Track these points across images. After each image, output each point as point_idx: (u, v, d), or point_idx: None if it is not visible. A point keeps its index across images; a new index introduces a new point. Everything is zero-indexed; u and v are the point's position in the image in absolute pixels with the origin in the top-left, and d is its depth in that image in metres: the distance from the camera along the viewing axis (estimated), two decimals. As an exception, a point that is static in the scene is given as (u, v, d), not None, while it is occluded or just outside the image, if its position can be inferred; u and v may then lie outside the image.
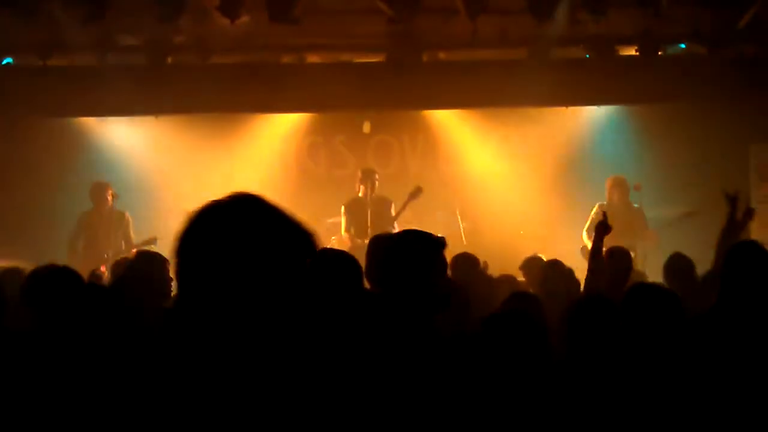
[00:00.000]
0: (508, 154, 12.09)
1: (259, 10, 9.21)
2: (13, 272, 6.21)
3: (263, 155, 11.99)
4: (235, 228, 1.97)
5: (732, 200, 6.45)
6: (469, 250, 7.42)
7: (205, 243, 1.97)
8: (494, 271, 7.12)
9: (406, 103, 11.08)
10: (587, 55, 10.70)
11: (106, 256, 10.29)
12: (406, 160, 12.24)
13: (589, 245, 9.59)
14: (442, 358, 3.32)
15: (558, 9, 9.32)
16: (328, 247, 5.28)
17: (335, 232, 10.67)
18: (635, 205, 10.47)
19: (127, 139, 11.87)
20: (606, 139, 11.95)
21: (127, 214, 10.71)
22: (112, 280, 5.86)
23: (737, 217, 6.45)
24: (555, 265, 6.71)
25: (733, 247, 4.87)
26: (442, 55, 11.24)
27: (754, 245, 4.77)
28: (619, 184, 10.52)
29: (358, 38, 10.56)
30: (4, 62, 10.54)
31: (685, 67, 10.50)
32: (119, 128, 11.86)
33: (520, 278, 7.26)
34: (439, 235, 3.77)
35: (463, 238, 10.60)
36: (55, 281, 4.41)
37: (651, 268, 8.97)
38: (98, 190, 10.67)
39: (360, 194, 10.70)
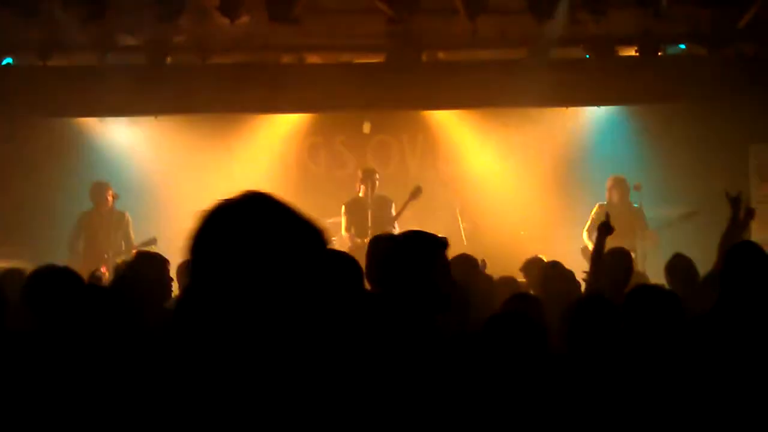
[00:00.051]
0: (508, 154, 12.08)
1: (259, 10, 9.22)
2: (14, 273, 6.20)
3: (263, 155, 11.99)
4: (249, 226, 1.99)
5: (734, 201, 6.44)
6: (470, 250, 7.42)
7: (219, 241, 1.99)
8: (494, 271, 7.11)
9: (405, 104, 11.08)
10: (587, 56, 10.70)
11: (106, 256, 10.29)
12: (405, 161, 12.24)
13: (590, 245, 9.65)
14: (444, 359, 3.32)
15: (558, 9, 9.32)
16: (329, 247, 5.25)
17: (335, 232, 10.67)
18: (635, 205, 10.47)
19: (127, 139, 11.87)
20: (606, 139, 11.94)
21: (127, 214, 10.71)
22: (113, 280, 5.85)
23: (739, 217, 6.45)
24: (555, 267, 6.70)
25: (732, 248, 4.87)
26: (441, 55, 11.24)
27: (753, 246, 4.78)
28: (619, 184, 10.52)
29: (358, 38, 10.56)
30: (5, 62, 10.54)
31: (685, 67, 10.50)
32: (119, 128, 11.86)
33: (521, 279, 7.25)
34: (440, 235, 3.77)
35: (464, 239, 10.59)
36: (56, 282, 4.41)
37: (651, 268, 8.98)
38: (98, 190, 10.67)
39: (360, 194, 10.70)
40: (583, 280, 6.60)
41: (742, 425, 4.05)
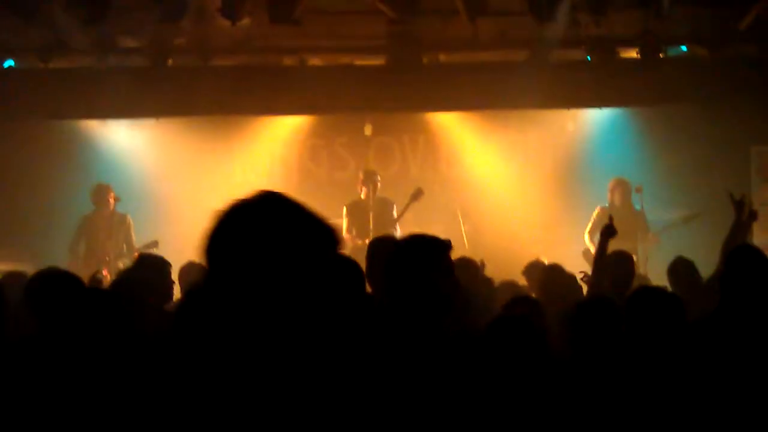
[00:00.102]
0: (509, 156, 12.07)
1: (260, 12, 9.22)
2: (15, 276, 6.20)
3: (264, 157, 11.99)
4: (264, 225, 2.01)
5: (738, 204, 6.43)
6: (471, 252, 7.42)
7: (235, 241, 2.01)
8: (496, 273, 7.10)
9: (406, 105, 11.07)
10: (588, 57, 10.69)
11: (107, 258, 10.29)
12: (406, 162, 12.24)
13: (591, 248, 9.65)
14: (448, 362, 3.32)
15: (558, 11, 9.31)
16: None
17: (336, 234, 10.64)
18: (637, 208, 10.46)
19: (128, 141, 11.86)
20: (607, 141, 11.92)
21: (129, 217, 10.70)
22: (115, 283, 5.85)
23: (743, 220, 6.44)
24: (554, 269, 6.70)
25: (732, 252, 4.88)
26: (442, 57, 11.23)
27: (752, 250, 4.79)
28: (621, 186, 10.51)
29: (359, 40, 10.57)
30: (6, 64, 10.54)
31: (686, 68, 10.49)
32: (120, 131, 11.85)
33: (522, 282, 7.24)
34: (442, 237, 3.75)
35: (465, 241, 10.59)
36: (57, 285, 4.41)
37: (653, 271, 8.97)
38: (100, 192, 10.66)
39: (362, 196, 10.69)
40: (581, 280, 6.61)
41: (744, 428, 4.04)
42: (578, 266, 7.45)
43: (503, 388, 3.61)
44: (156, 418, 2.08)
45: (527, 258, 7.85)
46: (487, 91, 10.55)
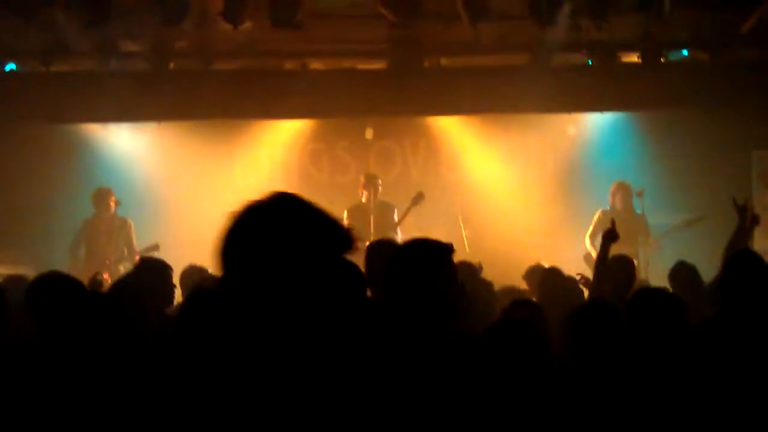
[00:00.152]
0: (510, 160, 12.07)
1: (262, 16, 9.23)
2: (16, 279, 6.20)
3: (265, 161, 11.99)
4: (280, 226, 2.02)
5: (742, 209, 6.43)
6: (472, 257, 7.40)
7: (251, 241, 2.01)
8: (497, 277, 7.09)
9: (408, 109, 11.08)
10: (589, 61, 10.69)
11: (108, 262, 10.29)
12: (407, 166, 12.23)
13: (593, 251, 9.65)
14: (453, 366, 3.31)
15: (559, 15, 9.32)
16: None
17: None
18: (638, 211, 10.45)
19: (129, 145, 11.86)
20: (608, 145, 11.92)
21: (129, 220, 10.71)
22: (116, 287, 5.84)
23: (746, 224, 6.43)
24: (553, 273, 6.70)
25: (731, 257, 4.88)
26: (443, 61, 11.24)
27: (752, 255, 4.79)
28: (623, 190, 10.50)
29: (361, 44, 10.58)
30: (7, 68, 10.55)
31: (688, 72, 10.49)
32: (122, 134, 11.85)
33: (523, 286, 7.23)
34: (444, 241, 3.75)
35: (466, 245, 10.58)
36: (58, 289, 4.41)
37: (654, 275, 8.96)
38: (101, 196, 10.67)
39: (363, 200, 10.69)
40: (579, 282, 6.61)
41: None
42: (580, 270, 7.44)
43: (504, 391, 3.61)
44: (157, 421, 2.08)
45: (528, 262, 7.85)
46: (488, 95, 10.55)
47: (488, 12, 9.25)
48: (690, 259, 6.74)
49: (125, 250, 10.54)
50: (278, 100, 10.57)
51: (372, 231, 10.26)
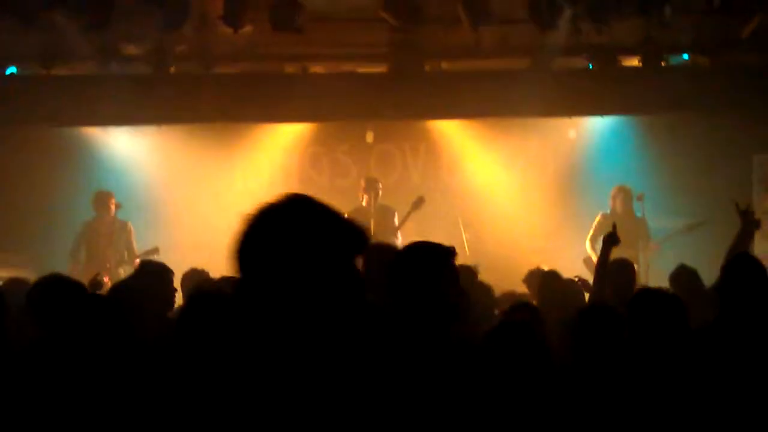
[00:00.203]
0: (511, 163, 12.07)
1: (263, 19, 9.22)
2: (17, 283, 6.20)
3: (266, 165, 11.98)
4: (296, 228, 2.03)
5: (744, 214, 6.42)
6: (472, 261, 7.40)
7: (267, 243, 2.02)
8: (497, 281, 7.08)
9: (408, 113, 11.08)
10: (590, 65, 10.69)
11: (108, 265, 10.29)
12: (408, 170, 12.24)
13: (593, 255, 9.65)
14: (454, 369, 3.31)
15: (560, 19, 9.32)
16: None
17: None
18: (638, 215, 10.45)
19: (129, 148, 11.86)
20: (608, 149, 11.92)
21: (129, 223, 10.71)
22: (117, 290, 5.83)
23: (749, 230, 6.43)
24: (551, 276, 6.70)
25: (729, 262, 4.88)
26: (444, 65, 11.25)
27: (750, 259, 4.79)
28: (623, 194, 10.50)
29: (361, 48, 10.58)
30: (8, 71, 10.55)
31: (688, 77, 10.48)
32: (122, 137, 11.85)
33: (523, 290, 7.23)
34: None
35: (466, 249, 10.57)
36: (60, 292, 4.40)
37: (654, 279, 8.95)
38: (101, 199, 10.67)
39: (363, 203, 10.69)
40: (577, 283, 6.61)
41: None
42: (580, 274, 7.43)
43: (505, 394, 3.61)
44: (158, 424, 2.08)
45: (528, 266, 7.84)
46: (488, 99, 10.55)
47: (489, 16, 9.26)
48: (691, 263, 6.74)
49: (125, 253, 10.53)
50: (278, 104, 10.57)
51: (372, 235, 10.23)
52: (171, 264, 6.22)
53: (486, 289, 6.27)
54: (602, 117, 11.76)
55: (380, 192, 10.77)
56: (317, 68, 11.07)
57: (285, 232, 2.02)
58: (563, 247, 10.85)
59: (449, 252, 3.56)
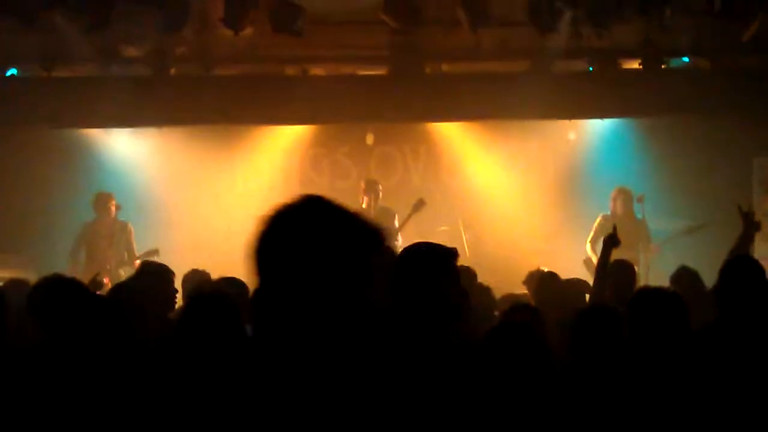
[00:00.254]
0: (511, 166, 12.08)
1: (263, 21, 9.23)
2: (18, 283, 6.20)
3: (266, 167, 11.99)
4: (313, 229, 2.04)
5: (746, 216, 6.43)
6: (472, 262, 7.40)
7: (285, 245, 2.02)
8: (497, 282, 7.09)
9: (408, 115, 11.08)
10: (590, 68, 10.70)
11: (108, 266, 10.29)
12: (408, 172, 12.24)
13: (593, 257, 9.65)
14: (455, 370, 3.32)
15: (560, 21, 9.32)
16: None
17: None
18: (638, 217, 10.45)
19: (130, 150, 11.87)
20: (608, 151, 11.93)
21: (130, 224, 10.71)
22: (118, 291, 5.84)
23: (750, 231, 6.44)
24: (549, 277, 6.70)
25: (727, 264, 4.89)
26: (444, 67, 11.25)
27: (749, 261, 4.79)
28: (624, 196, 10.50)
29: (362, 50, 10.58)
30: (8, 73, 10.56)
31: (688, 79, 10.49)
32: (122, 139, 11.86)
33: (523, 291, 7.23)
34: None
35: (467, 251, 10.58)
36: (61, 292, 4.40)
37: (654, 281, 8.95)
38: (101, 200, 10.67)
39: (363, 205, 10.69)
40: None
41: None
42: (580, 276, 7.44)
43: (505, 395, 3.61)
44: (158, 425, 2.08)
45: (529, 267, 7.84)
46: (488, 102, 10.55)
47: (489, 18, 9.26)
48: (691, 265, 6.74)
49: (125, 254, 10.53)
50: (279, 106, 10.58)
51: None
52: (171, 265, 6.23)
53: (485, 291, 6.28)
54: (602, 119, 11.76)
55: (380, 194, 10.77)
56: (317, 70, 11.07)
57: (304, 232, 2.02)
58: (563, 249, 10.85)
59: (450, 253, 3.56)
